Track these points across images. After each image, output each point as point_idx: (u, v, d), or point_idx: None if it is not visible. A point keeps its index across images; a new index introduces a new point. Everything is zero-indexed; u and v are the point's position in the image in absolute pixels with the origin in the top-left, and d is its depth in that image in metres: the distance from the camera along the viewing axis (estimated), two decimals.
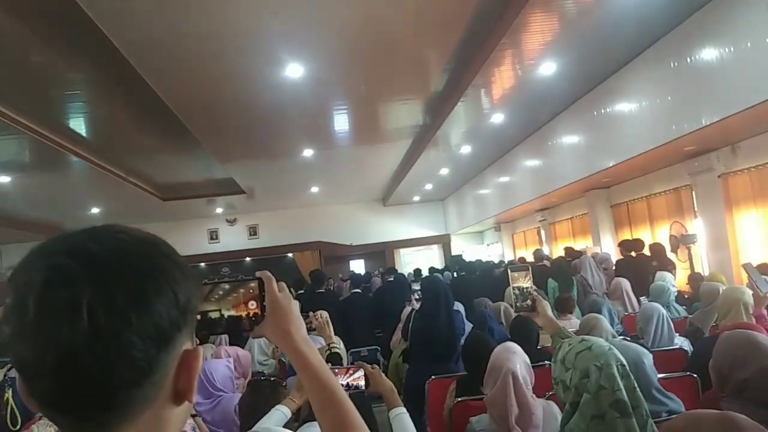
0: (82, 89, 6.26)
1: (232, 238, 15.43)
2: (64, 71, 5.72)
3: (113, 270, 0.61)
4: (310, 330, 3.15)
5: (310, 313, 3.30)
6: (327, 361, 2.66)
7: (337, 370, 2.17)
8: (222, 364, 3.46)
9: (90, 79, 6.02)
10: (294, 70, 5.85)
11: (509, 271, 2.26)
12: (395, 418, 2.05)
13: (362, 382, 2.10)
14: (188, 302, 0.66)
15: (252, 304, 1.03)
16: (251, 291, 1.02)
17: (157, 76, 5.76)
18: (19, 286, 0.60)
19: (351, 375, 2.13)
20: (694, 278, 6.28)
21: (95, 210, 12.25)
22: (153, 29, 4.80)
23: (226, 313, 1.92)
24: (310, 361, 1.01)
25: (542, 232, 12.60)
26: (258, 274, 1.03)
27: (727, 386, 1.79)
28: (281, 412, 2.10)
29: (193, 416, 2.69)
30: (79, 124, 7.38)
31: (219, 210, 14.63)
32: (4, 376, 3.31)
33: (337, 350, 2.82)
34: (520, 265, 2.31)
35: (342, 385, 2.18)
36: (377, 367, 2.21)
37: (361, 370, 2.12)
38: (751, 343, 1.86)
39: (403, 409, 2.07)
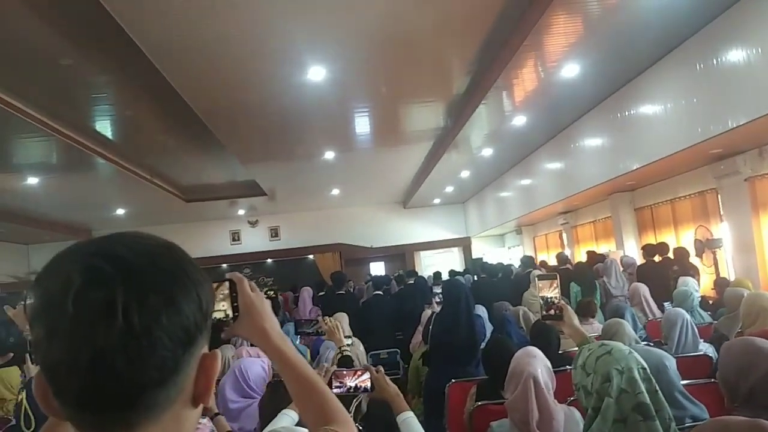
0: (108, 92, 6.37)
1: (254, 240, 15.55)
2: (90, 74, 5.82)
3: (144, 272, 0.63)
4: (321, 333, 3.17)
5: (319, 318, 3.34)
6: (339, 365, 2.68)
7: (345, 372, 2.21)
8: (257, 364, 3.44)
9: (116, 82, 6.12)
10: (316, 73, 5.89)
11: (536, 280, 2.25)
12: (403, 423, 2.07)
13: (369, 384, 2.14)
14: (209, 305, 0.69)
15: (222, 305, 1.04)
16: (221, 293, 1.04)
17: (182, 79, 5.84)
18: (53, 286, 0.61)
19: (359, 377, 2.17)
20: (720, 283, 6.17)
21: (120, 211, 12.44)
22: (178, 33, 4.87)
23: None
24: (288, 355, 1.06)
25: (564, 236, 12.48)
26: (228, 275, 1.06)
27: (737, 396, 1.76)
28: (289, 417, 2.11)
29: (216, 414, 2.71)
30: (105, 127, 7.51)
31: (241, 212, 14.76)
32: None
33: (348, 353, 2.83)
34: (547, 273, 2.29)
35: (350, 386, 2.22)
36: (382, 370, 2.23)
37: (368, 372, 2.15)
38: (753, 349, 1.83)
39: (411, 413, 2.09)
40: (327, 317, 3.16)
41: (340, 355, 2.80)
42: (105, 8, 4.26)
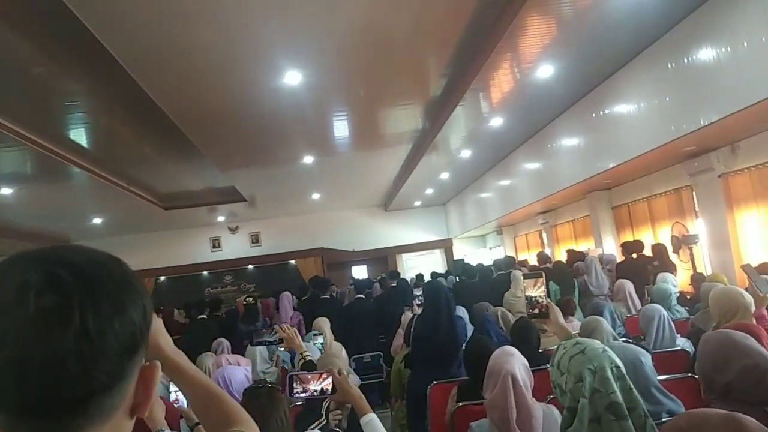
0: (82, 100, 6.29)
1: (235, 246, 15.44)
2: (64, 82, 5.75)
3: (97, 280, 0.65)
4: (280, 342, 3.16)
5: (275, 326, 3.33)
6: (302, 369, 2.68)
7: (310, 376, 2.23)
8: (241, 371, 3.43)
9: (90, 90, 6.05)
10: (292, 77, 5.88)
11: (522, 278, 2.26)
12: (367, 425, 2.08)
13: (331, 387, 2.17)
14: (150, 315, 0.70)
15: None
16: None
17: (156, 87, 5.79)
18: (5, 291, 0.61)
19: (322, 380, 2.19)
20: (697, 279, 6.26)
21: (98, 220, 12.28)
22: (151, 40, 4.83)
23: None
24: (184, 366, 1.11)
25: (544, 235, 12.58)
26: None
27: (713, 389, 1.79)
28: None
29: (197, 425, 2.68)
30: (79, 135, 7.42)
31: (221, 218, 14.65)
32: None
33: (311, 359, 2.83)
34: (532, 272, 2.31)
35: (313, 390, 2.23)
36: (344, 373, 2.24)
37: (330, 376, 2.17)
38: (730, 343, 1.84)
39: (373, 415, 2.12)
40: (285, 324, 3.16)
41: (302, 361, 2.81)
42: (76, 15, 4.21)
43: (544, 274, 2.29)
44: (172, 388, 2.95)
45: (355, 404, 2.17)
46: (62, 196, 9.61)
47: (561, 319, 2.21)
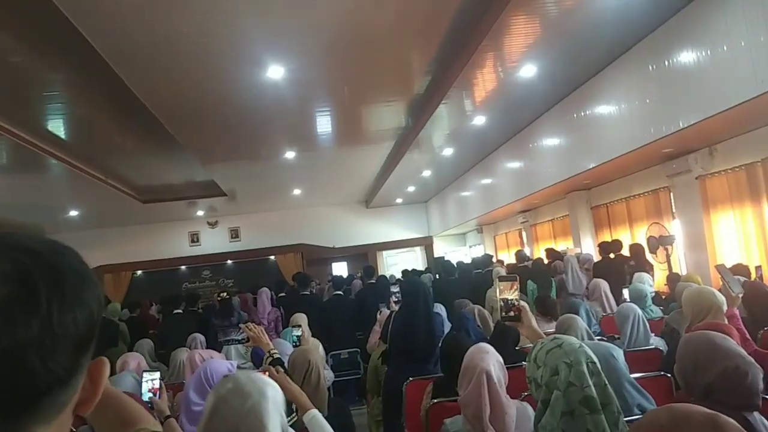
0: (61, 90, 6.19)
1: (214, 241, 15.30)
2: (42, 72, 5.65)
3: (59, 268, 0.62)
4: (247, 340, 3.13)
5: (241, 325, 3.31)
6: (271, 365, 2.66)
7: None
8: (224, 366, 3.37)
9: (68, 80, 5.95)
10: (275, 72, 5.83)
11: (497, 281, 2.27)
12: (310, 421, 2.08)
13: None
14: (103, 307, 0.68)
15: None
16: None
17: (137, 78, 5.71)
18: None
19: None
20: (673, 279, 6.34)
21: (74, 212, 12.09)
22: (132, 31, 4.76)
23: None
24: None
25: (524, 234, 12.66)
26: None
27: (693, 391, 1.80)
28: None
29: (167, 417, 2.65)
30: (57, 126, 7.31)
31: (200, 212, 14.52)
32: None
33: (278, 356, 2.81)
34: (508, 275, 2.32)
35: None
36: (282, 370, 2.24)
37: (267, 373, 2.17)
38: (710, 345, 1.86)
39: (315, 411, 2.12)
40: (251, 323, 3.13)
41: (270, 359, 2.79)
42: (55, 4, 4.13)
43: (518, 278, 2.29)
44: (147, 377, 2.91)
45: (296, 401, 2.17)
46: (38, 188, 9.44)
47: (533, 322, 2.23)
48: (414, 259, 16.59)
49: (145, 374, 2.95)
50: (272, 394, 1.39)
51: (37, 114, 6.74)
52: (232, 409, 1.32)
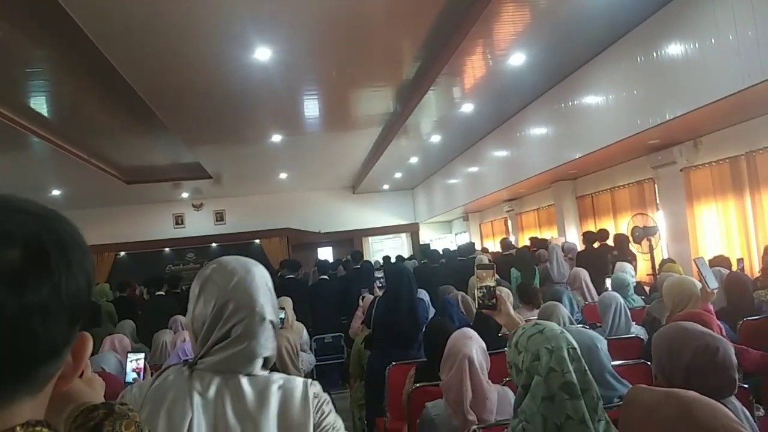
0: (44, 67, 6.08)
1: (198, 224, 15.21)
2: (25, 48, 5.54)
3: (63, 236, 0.62)
4: None
5: None
6: None
7: None
8: None
9: (52, 57, 5.84)
10: (262, 53, 5.77)
11: (475, 269, 2.26)
12: None
13: None
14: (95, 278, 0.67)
15: None
16: None
17: (122, 57, 5.62)
18: None
19: None
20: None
21: (56, 192, 11.93)
22: (117, 8, 4.67)
23: None
24: None
25: (509, 222, 12.72)
26: None
27: (673, 378, 1.83)
28: None
29: None
30: (40, 104, 7.19)
31: (185, 194, 14.40)
32: None
33: None
34: (486, 264, 2.32)
35: None
36: None
37: None
38: (680, 331, 1.92)
39: None
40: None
41: None
42: None
43: (495, 266, 2.29)
44: (132, 357, 2.91)
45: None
46: (20, 166, 9.29)
47: (511, 310, 2.23)
48: (400, 246, 16.62)
49: (129, 355, 2.97)
50: (259, 271, 1.34)
51: (19, 90, 6.61)
52: (219, 287, 1.26)
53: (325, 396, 1.24)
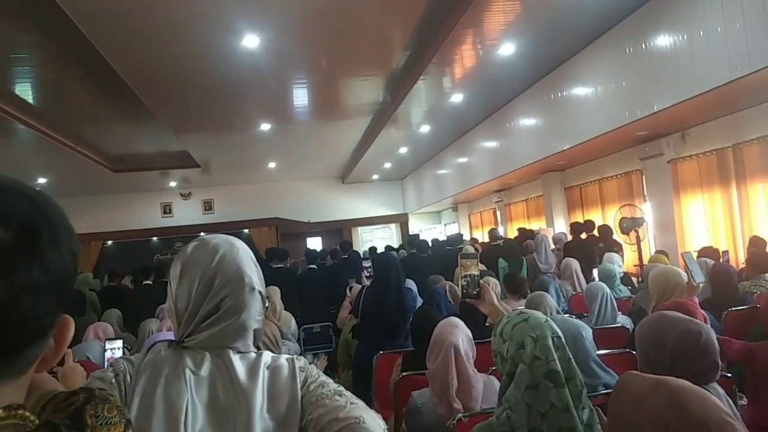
0: (30, 53, 6.00)
1: (187, 213, 15.11)
2: (9, 33, 5.46)
3: (51, 217, 0.61)
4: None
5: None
6: None
7: None
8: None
9: (38, 42, 5.76)
10: (251, 41, 5.72)
11: (459, 258, 2.27)
12: None
13: None
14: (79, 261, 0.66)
15: None
16: None
17: (109, 44, 5.55)
18: None
19: None
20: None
21: (42, 180, 11.81)
22: None
23: None
24: None
25: (498, 213, 12.76)
26: None
27: (659, 367, 1.85)
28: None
29: None
30: (25, 90, 7.10)
31: (173, 183, 14.31)
32: None
33: None
34: (469, 253, 2.33)
35: None
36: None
37: None
38: (662, 319, 1.94)
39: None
40: None
41: None
42: None
43: (479, 256, 2.30)
44: (109, 345, 2.90)
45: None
46: (4, 153, 9.17)
47: (495, 299, 2.24)
48: (389, 236, 16.62)
49: (107, 342, 2.96)
50: (242, 245, 1.31)
51: (3, 76, 6.53)
52: (203, 264, 1.22)
53: (312, 367, 1.22)
